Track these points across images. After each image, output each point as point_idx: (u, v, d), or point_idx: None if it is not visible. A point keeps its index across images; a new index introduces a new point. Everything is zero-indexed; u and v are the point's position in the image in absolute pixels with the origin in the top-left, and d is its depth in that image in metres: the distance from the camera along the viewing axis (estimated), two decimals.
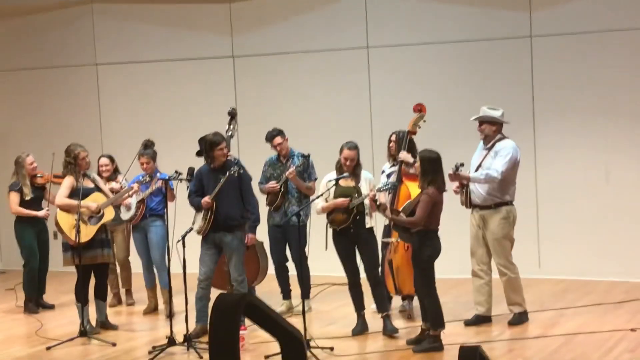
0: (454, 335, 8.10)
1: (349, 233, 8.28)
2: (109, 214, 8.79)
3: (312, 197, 8.93)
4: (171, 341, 8.12)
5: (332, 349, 7.90)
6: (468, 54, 10.85)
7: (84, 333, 8.63)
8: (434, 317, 7.77)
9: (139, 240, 9.66)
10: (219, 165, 8.43)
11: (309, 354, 7.60)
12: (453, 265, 9.71)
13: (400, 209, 7.99)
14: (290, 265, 9.45)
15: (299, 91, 11.60)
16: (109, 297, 9.59)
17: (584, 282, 10.22)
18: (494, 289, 8.63)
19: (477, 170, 8.46)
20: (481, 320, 8.59)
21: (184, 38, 12.04)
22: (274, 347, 5.62)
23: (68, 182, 8.71)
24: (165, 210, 8.80)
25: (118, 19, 12.30)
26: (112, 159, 9.98)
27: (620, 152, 10.34)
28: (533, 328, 8.43)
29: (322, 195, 8.33)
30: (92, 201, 8.71)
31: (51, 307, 10.21)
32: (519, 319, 8.55)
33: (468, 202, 8.56)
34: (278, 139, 9.31)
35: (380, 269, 8.66)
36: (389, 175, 8.96)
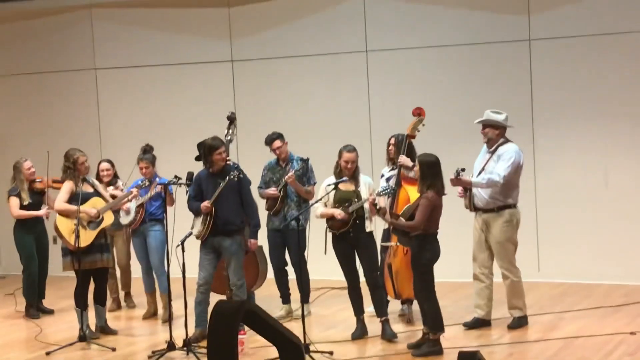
0: (453, 338, 8.10)
1: (349, 237, 8.28)
2: (108, 219, 8.79)
3: (311, 202, 8.93)
4: (171, 346, 8.12)
5: (331, 353, 7.89)
6: (467, 57, 10.85)
7: (83, 338, 8.64)
8: (433, 320, 7.77)
9: (138, 245, 9.66)
10: (218, 170, 8.44)
11: (308, 358, 7.61)
12: (452, 269, 9.71)
13: (400, 213, 8.00)
14: (290, 270, 9.45)
15: (297, 95, 11.60)
16: (109, 301, 9.60)
17: (583, 286, 10.22)
18: (494, 293, 8.63)
19: (480, 173, 8.47)
20: (480, 323, 8.59)
21: (183, 42, 12.04)
22: (274, 351, 5.61)
23: (67, 186, 8.71)
24: (165, 214, 8.80)
25: (117, 23, 12.30)
26: (112, 164, 9.99)
27: (619, 155, 10.35)
28: (532, 331, 8.43)
29: (320, 199, 8.34)
30: (92, 206, 8.71)
31: (50, 312, 10.20)
32: (518, 322, 8.55)
33: (472, 206, 8.57)
34: (277, 143, 9.31)
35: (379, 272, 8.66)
36: (388, 180, 8.96)
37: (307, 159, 9.32)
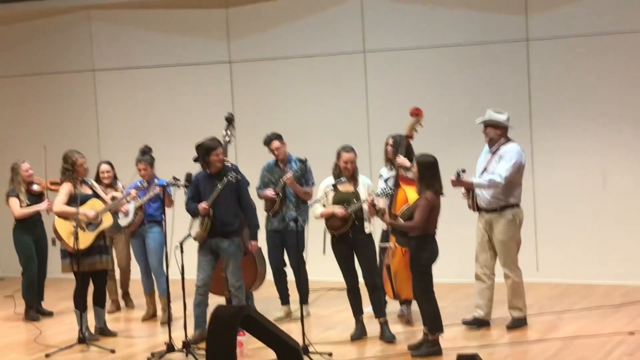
0: (453, 339, 8.11)
1: (347, 238, 8.29)
2: (107, 221, 8.79)
3: (309, 202, 8.93)
4: (170, 347, 8.12)
5: (330, 354, 7.90)
6: (465, 57, 10.85)
7: (82, 340, 8.63)
8: (431, 321, 7.77)
9: (137, 246, 9.66)
10: (216, 171, 8.42)
11: (307, 359, 7.61)
12: (451, 269, 9.71)
13: (399, 213, 8.00)
14: (289, 271, 9.45)
15: (296, 96, 11.60)
16: (108, 303, 9.59)
17: (582, 286, 10.22)
18: (494, 294, 8.63)
19: (482, 173, 8.47)
20: (480, 323, 8.59)
21: (181, 44, 12.04)
22: (273, 352, 5.63)
23: (66, 188, 8.71)
24: (163, 216, 8.80)
25: (115, 25, 12.30)
26: (112, 166, 9.97)
27: (617, 155, 10.34)
28: (532, 332, 8.43)
29: (319, 200, 8.33)
30: (90, 207, 8.70)
31: (50, 314, 10.20)
32: (517, 323, 8.55)
33: (475, 206, 8.57)
34: (276, 143, 9.31)
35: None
36: (386, 181, 8.96)
37: (306, 160, 9.32)
